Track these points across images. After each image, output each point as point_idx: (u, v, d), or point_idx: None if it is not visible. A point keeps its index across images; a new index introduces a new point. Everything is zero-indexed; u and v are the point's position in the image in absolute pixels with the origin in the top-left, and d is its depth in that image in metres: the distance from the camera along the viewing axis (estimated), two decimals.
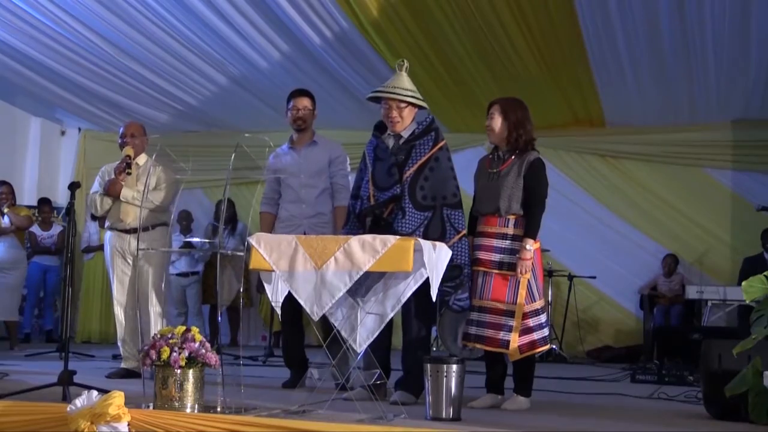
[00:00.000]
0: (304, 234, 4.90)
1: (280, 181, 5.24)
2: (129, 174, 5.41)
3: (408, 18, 6.70)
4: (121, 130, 5.69)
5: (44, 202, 9.16)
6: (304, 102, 5.27)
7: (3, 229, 7.85)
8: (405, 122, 4.40)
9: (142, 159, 5.64)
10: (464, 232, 4.29)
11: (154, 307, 5.42)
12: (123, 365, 5.49)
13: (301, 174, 5.15)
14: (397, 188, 4.29)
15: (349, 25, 6.85)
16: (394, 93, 4.40)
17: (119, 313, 5.51)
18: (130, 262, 5.46)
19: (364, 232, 4.25)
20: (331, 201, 5.17)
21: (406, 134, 4.41)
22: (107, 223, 5.66)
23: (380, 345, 4.37)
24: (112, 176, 5.48)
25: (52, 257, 9.00)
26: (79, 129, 10.48)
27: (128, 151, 5.45)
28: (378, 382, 4.25)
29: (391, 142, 4.44)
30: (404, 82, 4.44)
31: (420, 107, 4.46)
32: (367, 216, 4.41)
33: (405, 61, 4.50)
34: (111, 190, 5.44)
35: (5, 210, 7.90)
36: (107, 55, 7.74)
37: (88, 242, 9.40)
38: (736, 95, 8.09)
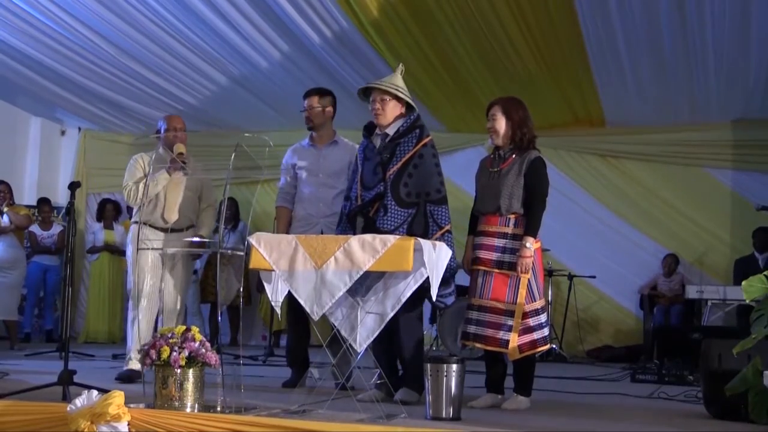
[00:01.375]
0: (321, 233, 4.90)
1: (297, 177, 5.22)
2: (186, 174, 5.20)
3: (408, 18, 6.70)
4: (162, 124, 5.45)
5: (44, 202, 9.17)
6: (311, 101, 5.22)
7: (2, 228, 7.86)
8: (387, 116, 4.40)
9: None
10: (448, 227, 4.31)
11: (178, 308, 5.24)
12: (133, 367, 5.11)
13: (320, 173, 5.12)
14: (380, 186, 4.32)
15: (349, 25, 6.85)
16: (377, 84, 4.45)
17: (136, 312, 5.13)
18: (162, 262, 5.19)
19: (354, 233, 4.26)
20: None
21: (391, 132, 4.42)
22: (138, 217, 5.30)
23: (390, 346, 4.38)
24: (144, 167, 5.27)
25: (52, 257, 9.01)
26: (79, 129, 10.49)
27: (180, 148, 5.19)
28: (378, 382, 4.26)
29: (378, 142, 4.47)
30: (394, 79, 4.47)
31: (405, 102, 4.44)
32: (355, 216, 4.42)
33: (402, 65, 4.55)
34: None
35: (5, 209, 7.91)
36: (107, 55, 7.75)
37: (93, 243, 9.41)
38: (736, 95, 8.09)
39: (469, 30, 6.83)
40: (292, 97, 8.60)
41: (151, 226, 5.25)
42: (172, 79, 8.34)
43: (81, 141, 10.49)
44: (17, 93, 9.21)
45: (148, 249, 5.10)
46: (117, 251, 9.38)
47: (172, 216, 5.24)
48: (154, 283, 5.17)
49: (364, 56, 7.47)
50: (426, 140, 4.40)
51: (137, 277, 5.18)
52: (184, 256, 5.27)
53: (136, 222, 5.35)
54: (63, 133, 10.59)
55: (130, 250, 5.35)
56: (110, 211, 9.50)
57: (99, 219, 9.54)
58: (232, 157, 4.36)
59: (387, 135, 4.43)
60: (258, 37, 7.21)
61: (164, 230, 5.24)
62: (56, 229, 9.11)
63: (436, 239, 4.16)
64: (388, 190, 4.30)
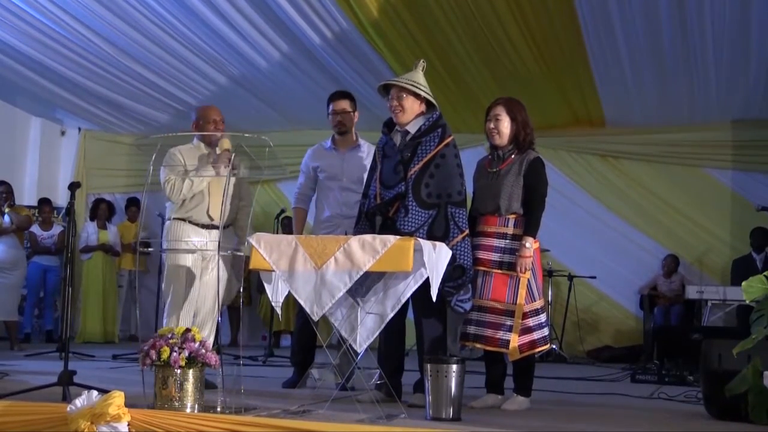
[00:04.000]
0: (345, 234, 4.84)
1: (317, 179, 5.16)
2: (235, 175, 4.75)
3: (408, 18, 6.70)
4: (196, 117, 5.09)
5: (44, 202, 9.17)
6: (343, 104, 5.15)
7: (4, 229, 7.85)
8: (407, 114, 4.29)
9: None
10: (467, 231, 4.22)
11: (216, 310, 4.90)
12: None
13: (343, 177, 5.06)
14: (401, 186, 4.21)
15: (349, 25, 6.86)
16: (396, 80, 4.36)
17: (176, 316, 4.83)
18: (202, 261, 4.90)
19: (373, 232, 4.18)
20: None
21: (412, 130, 4.30)
22: (175, 214, 4.94)
23: (396, 345, 4.38)
24: (183, 161, 4.90)
25: (52, 257, 9.00)
26: (79, 129, 10.49)
27: (226, 144, 4.78)
28: (378, 382, 4.25)
29: (398, 139, 4.35)
30: (413, 75, 4.34)
31: (426, 100, 4.33)
32: (374, 215, 4.32)
33: (423, 61, 4.42)
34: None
35: (6, 210, 7.90)
36: (107, 55, 7.75)
37: (86, 242, 9.40)
38: (736, 95, 8.09)
39: (469, 30, 6.83)
40: (292, 97, 8.63)
41: (191, 222, 4.92)
42: (172, 79, 8.34)
43: (81, 141, 10.49)
44: (17, 93, 9.20)
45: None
46: (111, 251, 9.40)
47: (218, 213, 4.87)
48: (194, 285, 4.87)
49: (364, 56, 7.47)
50: (448, 140, 4.28)
51: (176, 279, 4.85)
52: (226, 256, 4.84)
53: (176, 218, 4.94)
54: (63, 133, 10.59)
55: (167, 251, 4.99)
56: (104, 211, 9.50)
57: (92, 218, 9.53)
58: (232, 157, 4.36)
59: (408, 133, 4.31)
60: (258, 37, 7.21)
61: (206, 227, 4.92)
62: (56, 229, 9.10)
63: (457, 243, 4.11)
64: (409, 191, 4.19)
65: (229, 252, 4.66)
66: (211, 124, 5.01)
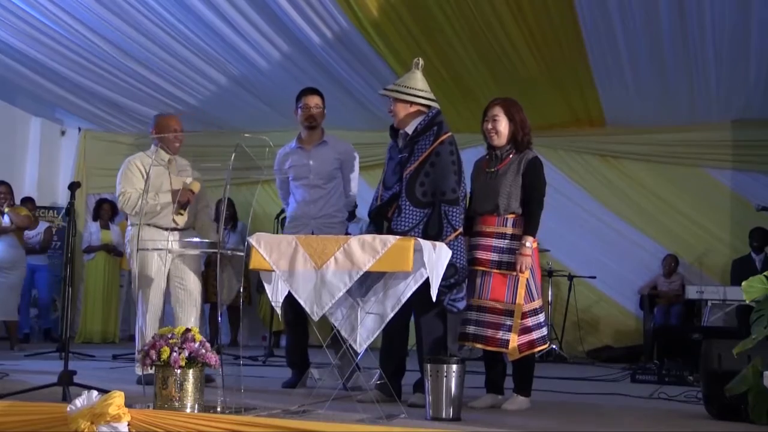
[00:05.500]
0: (312, 234, 4.87)
1: (288, 179, 5.19)
2: (181, 215, 5.06)
3: (408, 18, 6.70)
4: (155, 125, 5.22)
5: (27, 201, 9.09)
6: (315, 100, 5.20)
7: (4, 228, 7.85)
8: (398, 117, 4.35)
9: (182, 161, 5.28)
10: (461, 230, 4.22)
11: (197, 307, 5.11)
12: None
13: (309, 174, 5.09)
14: (397, 186, 4.26)
15: (349, 25, 6.86)
16: (384, 91, 4.44)
17: (150, 313, 5.00)
18: (168, 262, 5.06)
19: (380, 233, 4.19)
20: (342, 202, 5.15)
21: (410, 131, 4.34)
22: (138, 219, 5.02)
23: (399, 345, 4.38)
24: (143, 173, 5.05)
25: (40, 256, 8.90)
26: (79, 129, 10.49)
27: (195, 186, 5.07)
28: (379, 382, 4.25)
29: (400, 141, 4.40)
30: (407, 80, 4.38)
31: (418, 104, 4.35)
32: (377, 217, 4.37)
33: (420, 59, 4.44)
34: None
35: (6, 210, 7.90)
36: (107, 55, 7.75)
37: (89, 242, 9.39)
38: (736, 95, 8.09)
39: (469, 30, 6.83)
40: (292, 97, 8.57)
41: (155, 226, 5.07)
42: (172, 79, 8.34)
43: (81, 141, 10.49)
44: (17, 93, 9.21)
45: (151, 250, 4.94)
46: (114, 251, 9.41)
47: (182, 219, 5.11)
48: (160, 286, 5.03)
49: (364, 56, 7.47)
50: (443, 137, 4.29)
51: (142, 281, 4.99)
52: (193, 255, 5.13)
53: (136, 224, 5.07)
54: (63, 133, 10.59)
55: (133, 253, 5.06)
56: (107, 211, 9.49)
57: (95, 218, 9.52)
58: (232, 157, 4.35)
59: (407, 134, 4.35)
60: (258, 37, 7.22)
61: (168, 229, 5.07)
62: (42, 227, 8.97)
63: (449, 241, 4.09)
64: (403, 190, 4.22)
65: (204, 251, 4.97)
66: (171, 131, 5.16)
